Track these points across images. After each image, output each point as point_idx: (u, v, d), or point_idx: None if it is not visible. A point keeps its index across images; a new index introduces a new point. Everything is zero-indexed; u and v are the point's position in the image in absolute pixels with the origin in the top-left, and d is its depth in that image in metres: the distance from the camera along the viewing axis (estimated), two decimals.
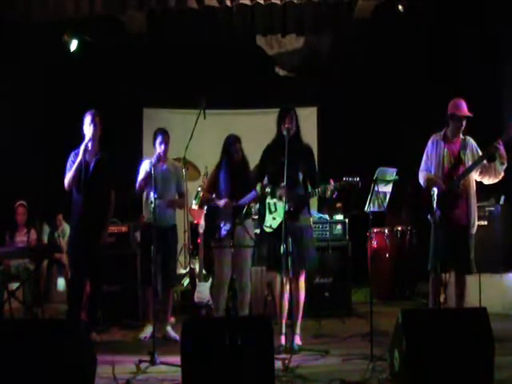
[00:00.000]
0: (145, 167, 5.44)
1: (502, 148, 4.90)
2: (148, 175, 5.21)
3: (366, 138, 8.27)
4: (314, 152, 5.18)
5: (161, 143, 5.45)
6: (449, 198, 4.95)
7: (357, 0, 7.17)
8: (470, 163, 5.03)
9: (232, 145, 5.51)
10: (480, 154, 5.05)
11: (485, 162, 5.03)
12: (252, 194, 5.29)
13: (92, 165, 5.41)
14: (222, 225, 5.43)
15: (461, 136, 5.14)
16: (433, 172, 5.15)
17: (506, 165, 4.99)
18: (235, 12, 7.27)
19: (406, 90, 8.12)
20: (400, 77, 8.15)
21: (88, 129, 5.37)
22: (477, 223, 5.14)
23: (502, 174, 5.04)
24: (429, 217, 4.95)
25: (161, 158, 5.41)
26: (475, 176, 5.11)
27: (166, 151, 5.48)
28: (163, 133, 5.53)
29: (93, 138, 5.38)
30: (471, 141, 5.15)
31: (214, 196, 5.60)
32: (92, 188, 5.37)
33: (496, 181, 5.10)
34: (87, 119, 5.38)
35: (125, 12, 6.87)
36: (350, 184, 4.61)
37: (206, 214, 5.98)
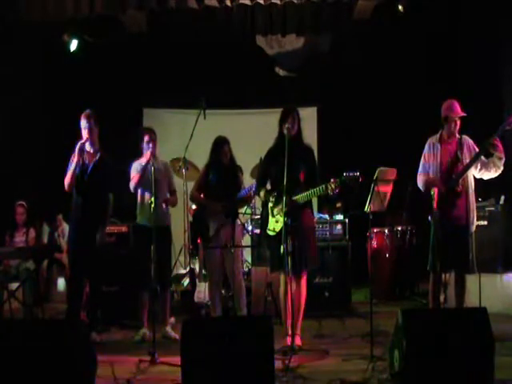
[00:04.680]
0: (136, 169, 5.45)
1: (498, 144, 4.89)
2: (141, 176, 5.24)
3: (366, 137, 8.27)
4: (314, 153, 5.14)
5: (148, 142, 5.42)
6: (448, 198, 4.95)
7: (356, 0, 7.17)
8: (468, 161, 5.01)
9: (220, 147, 5.53)
10: (477, 150, 5.04)
11: (483, 157, 5.03)
12: (244, 191, 5.31)
13: (91, 166, 5.39)
14: (211, 225, 5.48)
15: (457, 136, 5.14)
16: (431, 175, 5.14)
17: (504, 159, 4.97)
18: (235, 12, 7.28)
19: (406, 89, 8.12)
20: (400, 77, 8.15)
21: (84, 131, 5.34)
22: (476, 222, 5.13)
23: (502, 168, 5.01)
24: (429, 217, 4.94)
25: (150, 158, 5.32)
26: (475, 173, 5.09)
27: (154, 150, 5.42)
28: (150, 132, 5.51)
29: (90, 140, 5.36)
30: (468, 139, 5.14)
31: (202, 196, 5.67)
32: (90, 189, 5.35)
33: (495, 175, 5.06)
34: (83, 122, 5.34)
35: (125, 12, 6.87)
36: (351, 179, 4.56)
37: (194, 215, 6.00)
